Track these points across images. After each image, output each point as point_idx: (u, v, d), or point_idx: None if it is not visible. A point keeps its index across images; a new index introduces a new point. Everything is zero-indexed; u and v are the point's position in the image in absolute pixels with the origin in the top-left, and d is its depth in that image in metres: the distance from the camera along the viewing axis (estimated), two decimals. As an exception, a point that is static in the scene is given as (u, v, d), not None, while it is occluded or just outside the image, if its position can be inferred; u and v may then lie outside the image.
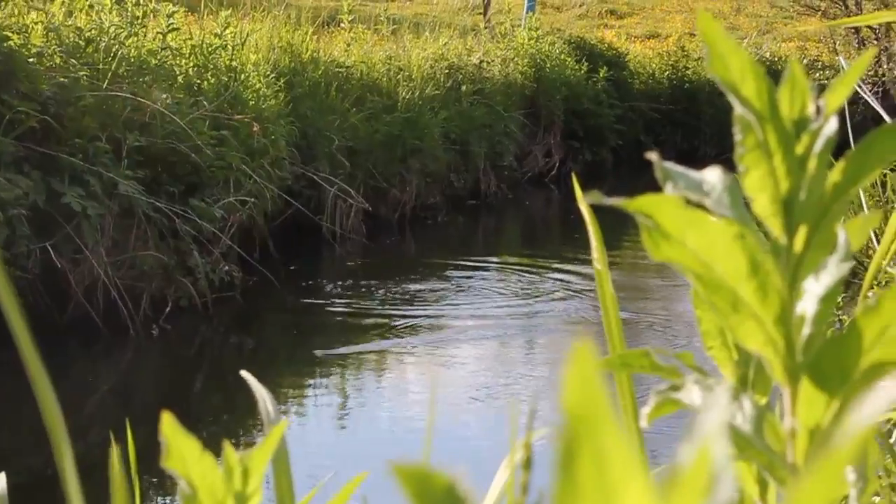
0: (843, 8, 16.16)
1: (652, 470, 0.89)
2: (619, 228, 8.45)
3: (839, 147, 0.63)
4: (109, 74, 6.62)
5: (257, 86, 8.19)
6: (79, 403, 5.16)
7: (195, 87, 7.63)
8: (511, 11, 15.41)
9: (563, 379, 0.31)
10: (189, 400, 5.48)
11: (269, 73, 8.61)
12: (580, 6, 27.27)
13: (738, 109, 0.60)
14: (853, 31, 16.40)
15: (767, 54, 18.70)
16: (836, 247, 0.62)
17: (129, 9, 7.15)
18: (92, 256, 6.05)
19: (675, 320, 6.83)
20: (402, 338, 6.41)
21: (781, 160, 0.60)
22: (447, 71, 11.72)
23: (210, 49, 7.92)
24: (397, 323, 6.69)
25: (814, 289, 0.61)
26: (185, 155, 6.79)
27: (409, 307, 7.10)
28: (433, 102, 10.96)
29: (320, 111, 9.27)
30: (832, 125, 0.60)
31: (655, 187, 0.60)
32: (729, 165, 0.64)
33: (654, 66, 17.17)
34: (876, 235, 4.37)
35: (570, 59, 14.65)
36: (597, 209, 0.79)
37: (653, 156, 0.60)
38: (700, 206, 0.60)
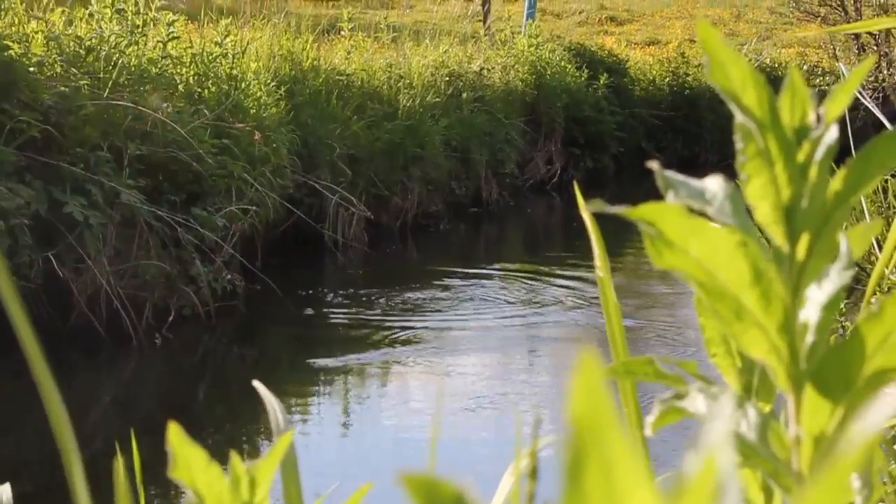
0: (842, 14, 16.16)
1: (655, 477, 0.90)
2: (621, 235, 8.45)
3: (840, 152, 0.63)
4: (110, 83, 6.63)
5: (258, 94, 8.20)
6: (82, 413, 5.15)
7: (196, 96, 7.63)
8: (511, 19, 15.39)
9: (570, 389, 0.31)
10: (192, 409, 5.48)
11: (269, 81, 8.62)
12: (580, 13, 27.28)
13: (740, 118, 0.61)
14: (853, 36, 16.41)
15: (767, 60, 18.69)
16: (838, 254, 0.62)
17: (130, 18, 7.16)
18: (94, 266, 6.06)
19: (678, 327, 6.83)
20: (405, 346, 6.40)
21: (783, 168, 0.61)
22: (448, 78, 11.72)
23: (211, 57, 7.93)
24: (400, 331, 6.68)
25: (816, 296, 0.61)
26: (186, 164, 6.79)
27: (412, 315, 7.10)
28: (434, 110, 10.96)
29: (321, 119, 9.27)
30: (833, 133, 0.61)
31: (657, 194, 0.61)
32: (730, 172, 0.64)
33: (654, 72, 17.17)
34: (878, 242, 4.37)
35: (570, 66, 14.65)
36: (599, 216, 0.79)
37: (654, 165, 0.61)
38: (702, 214, 0.60)
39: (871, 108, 2.83)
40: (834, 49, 17.42)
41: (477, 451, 4.69)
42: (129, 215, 6.30)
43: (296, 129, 8.69)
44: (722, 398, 0.63)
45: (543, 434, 0.85)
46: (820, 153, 0.60)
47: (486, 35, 15.00)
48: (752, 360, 0.70)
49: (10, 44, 6.11)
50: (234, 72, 8.08)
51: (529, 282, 8.26)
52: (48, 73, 6.32)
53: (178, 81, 7.58)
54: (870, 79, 14.94)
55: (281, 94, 8.67)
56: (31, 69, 6.14)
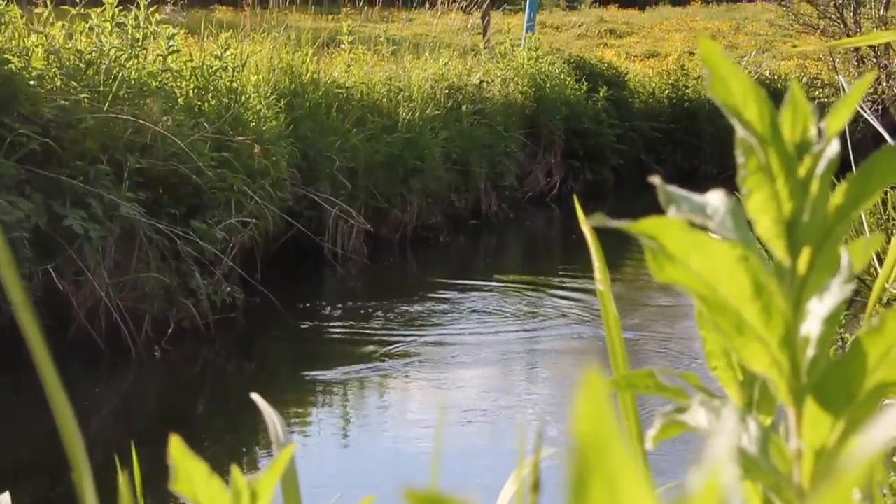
0: (842, 26, 16.18)
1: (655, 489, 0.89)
2: (620, 248, 8.45)
3: (840, 164, 0.63)
4: (110, 97, 6.64)
5: (258, 107, 8.21)
6: (81, 425, 5.12)
7: (196, 109, 7.64)
8: (511, 31, 15.41)
9: (574, 405, 0.31)
10: (191, 421, 5.47)
11: (269, 94, 8.63)
12: (579, 26, 27.35)
13: (741, 133, 0.61)
14: (852, 49, 16.43)
15: (767, 73, 18.73)
16: (839, 268, 0.62)
17: (130, 31, 7.18)
18: (94, 278, 6.06)
19: (678, 340, 6.82)
20: (405, 359, 6.40)
21: (784, 183, 0.61)
22: (447, 91, 11.74)
23: (210, 71, 7.94)
24: (399, 344, 6.68)
25: (818, 310, 0.61)
26: (186, 176, 6.80)
27: (412, 328, 7.09)
28: (434, 123, 10.97)
29: (321, 132, 9.28)
30: (834, 147, 0.61)
31: (657, 206, 0.61)
32: (730, 184, 0.64)
33: (654, 84, 17.19)
34: (878, 256, 4.37)
35: (569, 79, 14.67)
36: (598, 228, 0.79)
37: (656, 179, 0.61)
38: (704, 228, 0.60)
39: (870, 120, 2.84)
40: (833, 61, 17.44)
41: (477, 463, 4.68)
42: (128, 228, 6.30)
43: (295, 141, 8.70)
44: (725, 412, 0.63)
45: (545, 446, 0.84)
46: (821, 168, 0.61)
47: (485, 48, 15.01)
48: (753, 374, 0.71)
49: (11, 57, 6.12)
50: (234, 85, 8.09)
51: (529, 294, 8.26)
52: (48, 87, 6.33)
53: (179, 95, 7.59)
54: (869, 91, 14.96)
55: (281, 107, 8.68)
56: (32, 83, 6.15)
